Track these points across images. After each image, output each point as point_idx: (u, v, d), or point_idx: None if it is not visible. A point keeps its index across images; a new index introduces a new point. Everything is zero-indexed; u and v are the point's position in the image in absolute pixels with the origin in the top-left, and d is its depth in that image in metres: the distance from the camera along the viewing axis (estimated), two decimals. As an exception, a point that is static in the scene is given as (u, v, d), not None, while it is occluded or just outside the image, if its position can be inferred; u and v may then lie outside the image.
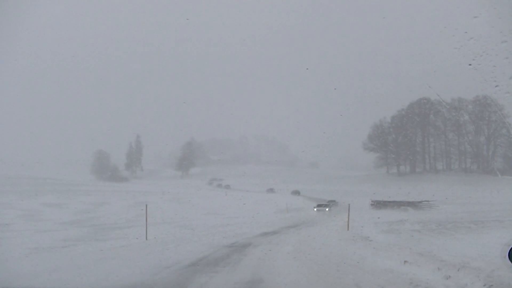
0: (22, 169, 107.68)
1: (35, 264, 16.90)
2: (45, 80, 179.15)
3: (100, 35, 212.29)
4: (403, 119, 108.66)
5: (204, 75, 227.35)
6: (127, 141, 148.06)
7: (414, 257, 14.33)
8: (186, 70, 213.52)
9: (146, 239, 25.69)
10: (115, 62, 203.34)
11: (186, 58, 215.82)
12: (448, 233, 26.66)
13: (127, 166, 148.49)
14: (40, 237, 29.93)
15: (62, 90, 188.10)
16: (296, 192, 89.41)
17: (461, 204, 59.88)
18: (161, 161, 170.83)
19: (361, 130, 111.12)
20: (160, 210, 47.91)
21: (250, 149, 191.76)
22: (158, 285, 12.27)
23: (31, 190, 72.37)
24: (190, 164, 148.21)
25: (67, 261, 17.88)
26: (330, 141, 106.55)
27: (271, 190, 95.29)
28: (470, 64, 17.38)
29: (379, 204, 58.95)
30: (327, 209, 56.45)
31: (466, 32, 17.75)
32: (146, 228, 26.50)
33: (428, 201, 58.80)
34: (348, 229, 28.44)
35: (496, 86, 16.00)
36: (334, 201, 65.34)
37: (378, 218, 39.12)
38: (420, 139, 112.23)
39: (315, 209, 56.57)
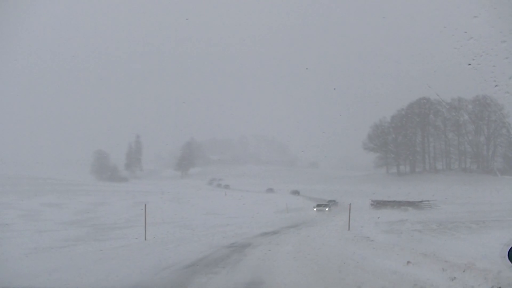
0: (22, 169, 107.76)
1: (35, 264, 16.90)
2: (45, 80, 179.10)
3: (100, 35, 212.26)
4: (403, 119, 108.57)
5: (204, 75, 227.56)
6: (127, 141, 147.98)
7: (417, 258, 14.09)
8: (186, 70, 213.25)
9: (145, 239, 25.68)
10: (115, 62, 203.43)
11: (186, 58, 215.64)
12: (449, 233, 26.56)
13: (127, 166, 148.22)
14: (40, 237, 29.90)
15: (62, 90, 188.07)
16: (296, 192, 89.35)
17: (461, 204, 59.84)
18: (160, 161, 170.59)
19: (361, 130, 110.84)
20: (160, 210, 47.77)
21: (250, 149, 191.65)
22: (158, 285, 12.26)
23: (31, 190, 72.34)
24: (189, 164, 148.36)
25: (67, 261, 17.88)
26: (330, 141, 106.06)
27: (270, 190, 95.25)
28: (469, 64, 17.41)
29: (379, 204, 58.92)
30: (326, 209, 56.40)
31: (466, 32, 17.79)
32: (145, 228, 26.48)
33: (428, 201, 58.77)
34: (349, 229, 28.43)
35: (495, 86, 16.01)
36: (334, 201, 65.30)
37: (378, 218, 39.03)
38: (420, 139, 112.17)
39: (314, 209, 56.48)
